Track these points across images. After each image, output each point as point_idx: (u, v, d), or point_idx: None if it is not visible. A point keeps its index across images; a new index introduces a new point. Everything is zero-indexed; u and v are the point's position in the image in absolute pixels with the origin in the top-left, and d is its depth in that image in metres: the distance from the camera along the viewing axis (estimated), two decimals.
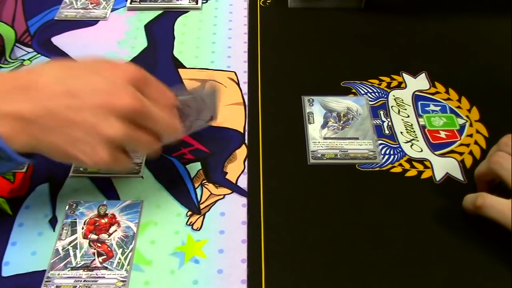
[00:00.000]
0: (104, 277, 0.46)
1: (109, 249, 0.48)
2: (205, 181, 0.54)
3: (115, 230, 0.49)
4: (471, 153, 0.56)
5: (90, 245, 0.48)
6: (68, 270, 0.46)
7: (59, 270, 0.46)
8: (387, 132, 0.58)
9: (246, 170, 0.55)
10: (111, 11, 0.74)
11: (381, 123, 0.59)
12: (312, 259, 0.48)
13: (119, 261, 0.47)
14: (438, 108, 0.61)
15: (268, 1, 0.75)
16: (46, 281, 0.46)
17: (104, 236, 0.48)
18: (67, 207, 0.51)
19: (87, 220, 0.50)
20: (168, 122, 0.46)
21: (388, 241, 0.49)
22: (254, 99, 0.61)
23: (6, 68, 0.65)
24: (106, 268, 0.46)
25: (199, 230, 0.50)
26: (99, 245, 0.48)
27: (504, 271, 0.47)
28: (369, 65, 0.66)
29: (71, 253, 0.47)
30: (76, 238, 0.48)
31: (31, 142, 0.42)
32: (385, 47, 0.68)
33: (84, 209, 0.51)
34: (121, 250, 0.48)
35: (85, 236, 0.48)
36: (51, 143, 0.42)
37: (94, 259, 0.47)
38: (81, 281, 0.45)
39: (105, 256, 0.47)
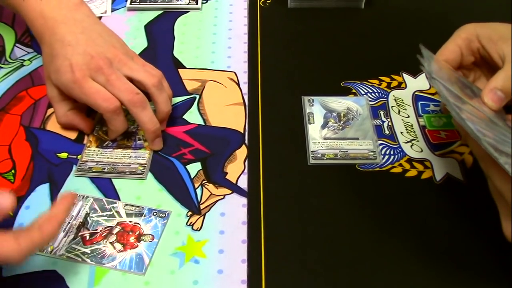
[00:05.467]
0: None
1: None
2: (205, 181, 0.54)
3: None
4: (471, 153, 0.56)
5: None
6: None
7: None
8: (387, 132, 0.58)
9: (246, 170, 0.55)
10: (111, 11, 0.74)
11: (381, 123, 0.59)
12: (312, 259, 0.48)
13: None
14: (438, 108, 0.61)
15: (268, 1, 0.75)
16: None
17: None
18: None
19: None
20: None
21: (388, 241, 0.49)
22: (254, 99, 0.61)
23: (6, 69, 0.65)
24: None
25: (199, 230, 0.50)
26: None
27: (504, 271, 0.47)
28: (369, 65, 0.66)
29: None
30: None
31: None
32: (385, 47, 0.68)
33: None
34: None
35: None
36: None
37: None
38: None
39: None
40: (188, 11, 0.74)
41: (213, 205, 0.52)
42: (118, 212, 0.50)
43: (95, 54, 0.54)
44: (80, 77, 0.53)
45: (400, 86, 0.63)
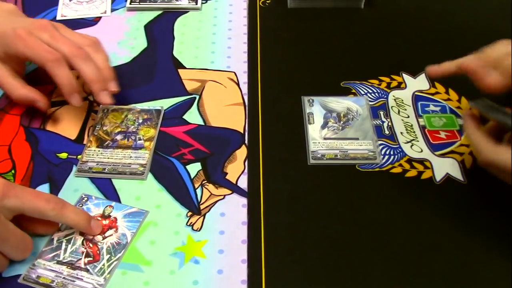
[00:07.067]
0: (82, 279, 0.45)
1: (98, 252, 0.47)
2: (205, 181, 0.54)
3: (111, 235, 0.49)
4: (471, 153, 0.56)
5: (82, 243, 0.48)
6: (54, 263, 0.46)
7: (46, 260, 0.46)
8: (387, 132, 0.58)
9: (246, 171, 0.55)
10: (111, 12, 0.74)
11: (381, 123, 0.59)
12: (312, 259, 0.48)
13: (102, 267, 0.46)
14: (438, 109, 0.61)
15: (268, 1, 0.75)
16: (30, 267, 0.46)
17: (98, 237, 0.48)
18: (77, 198, 0.51)
19: None
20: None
21: (388, 241, 0.49)
22: (254, 99, 0.61)
23: None
24: (87, 270, 0.46)
25: (199, 230, 0.50)
26: (90, 245, 0.48)
27: (504, 270, 0.47)
28: (369, 65, 0.66)
29: (63, 246, 0.48)
30: (73, 232, 0.48)
31: None
32: (385, 47, 0.68)
33: (93, 205, 0.51)
34: (108, 256, 0.47)
35: (81, 233, 0.49)
36: None
37: (81, 259, 0.47)
38: (60, 277, 0.45)
39: (91, 258, 0.47)
40: (188, 11, 0.74)
41: (213, 205, 0.52)
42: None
43: (35, 24, 0.57)
44: (23, 33, 0.55)
45: (400, 86, 0.63)
